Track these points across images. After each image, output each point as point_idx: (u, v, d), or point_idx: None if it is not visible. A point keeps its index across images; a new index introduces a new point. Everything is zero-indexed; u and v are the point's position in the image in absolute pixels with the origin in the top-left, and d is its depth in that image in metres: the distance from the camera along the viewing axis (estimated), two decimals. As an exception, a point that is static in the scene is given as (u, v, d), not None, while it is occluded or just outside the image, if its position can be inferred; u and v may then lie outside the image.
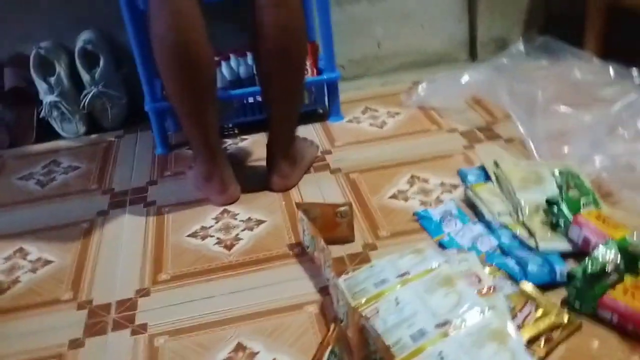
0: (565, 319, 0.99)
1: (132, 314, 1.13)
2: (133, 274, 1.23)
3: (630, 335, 0.97)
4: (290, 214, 1.35)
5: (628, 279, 1.02)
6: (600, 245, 1.04)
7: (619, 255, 1.02)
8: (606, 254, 1.02)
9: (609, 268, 1.01)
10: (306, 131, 1.69)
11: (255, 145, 1.68)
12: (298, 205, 1.26)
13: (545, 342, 0.96)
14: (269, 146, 1.45)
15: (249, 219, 1.36)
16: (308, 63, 1.70)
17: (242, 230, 1.32)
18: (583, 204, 1.17)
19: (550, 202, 1.19)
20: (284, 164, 1.44)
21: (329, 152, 1.61)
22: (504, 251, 1.16)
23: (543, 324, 0.98)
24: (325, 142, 1.67)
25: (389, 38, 2.01)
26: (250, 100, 1.73)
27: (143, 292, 1.18)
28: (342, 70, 1.91)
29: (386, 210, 1.35)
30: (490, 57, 1.90)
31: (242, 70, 1.71)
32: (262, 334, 1.05)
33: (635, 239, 1.07)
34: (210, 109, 1.33)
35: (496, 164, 1.34)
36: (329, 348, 0.87)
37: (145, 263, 1.26)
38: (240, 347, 1.03)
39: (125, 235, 1.36)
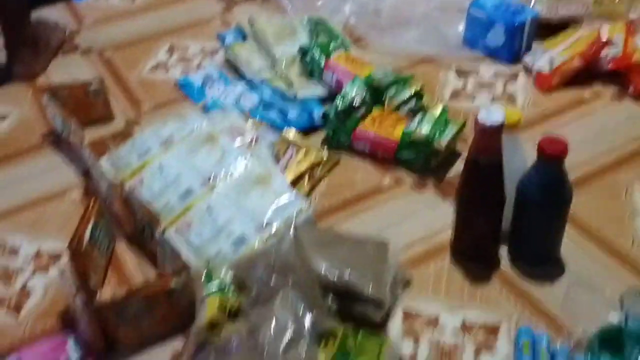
0: (325, 156, 1.05)
1: None
2: None
3: (381, 160, 1.07)
4: (40, 103, 1.22)
5: (375, 111, 1.10)
6: (348, 83, 1.10)
7: (365, 90, 1.09)
8: (353, 91, 1.08)
9: (356, 102, 1.07)
10: (48, 13, 1.50)
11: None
12: (43, 89, 1.14)
13: (309, 179, 1.01)
14: (2, 33, 1.29)
15: (-9, 114, 1.22)
16: None
17: (-16, 128, 1.18)
18: (333, 48, 1.21)
19: (302, 51, 1.22)
20: (24, 50, 1.30)
21: (78, 33, 1.46)
22: (267, 105, 1.18)
23: (305, 164, 1.03)
24: (72, 22, 1.50)
25: None
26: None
27: None
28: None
29: (147, 84, 1.28)
30: None
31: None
32: (22, 229, 0.98)
33: (378, 74, 1.15)
34: None
35: (251, 23, 1.33)
36: (91, 223, 0.83)
37: None
38: (-2, 247, 0.95)
39: None
